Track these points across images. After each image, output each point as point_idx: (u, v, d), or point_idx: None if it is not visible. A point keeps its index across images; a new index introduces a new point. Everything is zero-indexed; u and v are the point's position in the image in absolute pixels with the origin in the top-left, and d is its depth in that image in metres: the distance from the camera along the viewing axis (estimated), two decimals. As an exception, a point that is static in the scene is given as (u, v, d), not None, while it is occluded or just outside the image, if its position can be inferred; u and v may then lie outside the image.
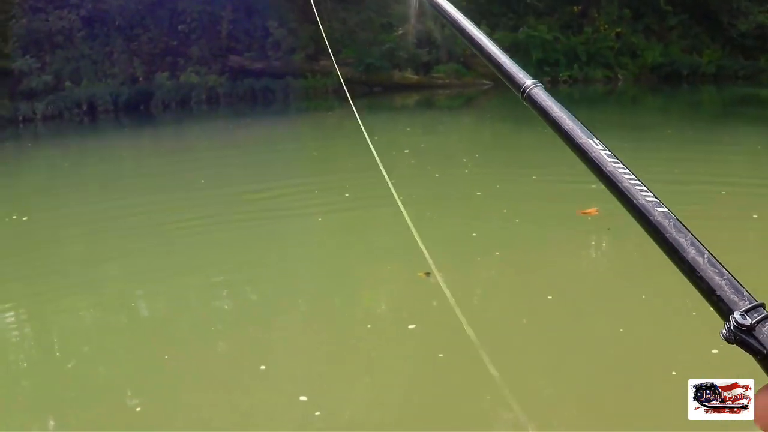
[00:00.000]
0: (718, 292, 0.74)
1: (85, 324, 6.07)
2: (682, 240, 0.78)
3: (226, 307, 6.26)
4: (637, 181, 0.85)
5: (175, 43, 20.67)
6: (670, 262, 0.79)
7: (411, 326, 5.22)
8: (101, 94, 19.96)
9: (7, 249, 7.92)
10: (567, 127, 0.95)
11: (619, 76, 21.80)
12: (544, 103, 0.99)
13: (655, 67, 21.57)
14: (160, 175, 12.01)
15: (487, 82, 20.35)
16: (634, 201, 0.83)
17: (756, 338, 0.70)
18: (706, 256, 0.76)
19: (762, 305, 0.72)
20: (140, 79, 20.41)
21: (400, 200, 2.36)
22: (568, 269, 6.43)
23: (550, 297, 5.49)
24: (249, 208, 9.09)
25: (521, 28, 21.21)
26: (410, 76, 20.85)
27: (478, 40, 1.12)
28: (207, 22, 20.59)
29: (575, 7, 23.22)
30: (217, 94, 19.85)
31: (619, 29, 22.06)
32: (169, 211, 9.14)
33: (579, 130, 0.93)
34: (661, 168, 10.09)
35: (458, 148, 13.29)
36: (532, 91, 1.01)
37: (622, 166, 0.87)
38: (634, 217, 0.83)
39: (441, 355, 4.68)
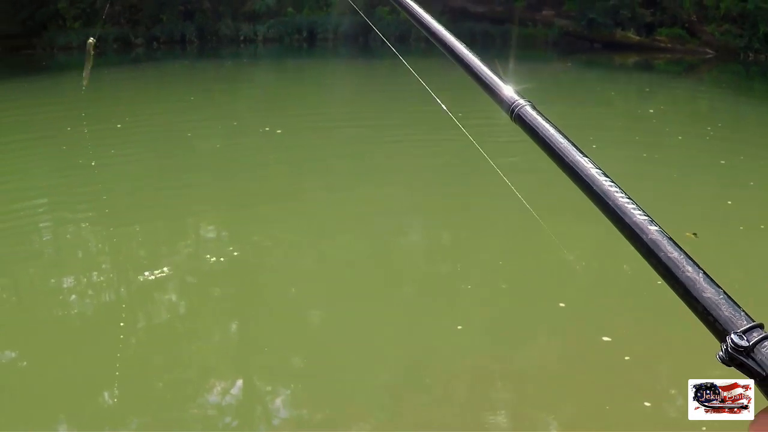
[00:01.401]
0: (713, 313, 0.71)
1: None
2: (676, 259, 0.76)
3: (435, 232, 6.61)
4: (630, 200, 0.83)
5: (398, -21, 20.94)
6: None
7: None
8: (322, 22, 20.71)
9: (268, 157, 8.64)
10: (559, 146, 0.92)
11: None
12: (534, 122, 0.97)
13: None
14: (373, 94, 12.99)
15: (710, 51, 19.37)
16: (627, 219, 0.81)
17: (754, 359, 0.67)
18: (701, 276, 0.74)
19: (760, 326, 0.70)
20: (361, 12, 20.87)
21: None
22: None
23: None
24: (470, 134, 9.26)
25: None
26: (632, 36, 20.14)
27: (466, 58, 1.11)
28: (434, -40, 20.70)
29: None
30: (436, 35, 20.05)
31: None
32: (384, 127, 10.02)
33: (571, 149, 0.91)
34: None
35: (698, 113, 12.86)
36: (522, 110, 0.98)
37: (613, 185, 0.85)
38: (626, 236, 0.81)
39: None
